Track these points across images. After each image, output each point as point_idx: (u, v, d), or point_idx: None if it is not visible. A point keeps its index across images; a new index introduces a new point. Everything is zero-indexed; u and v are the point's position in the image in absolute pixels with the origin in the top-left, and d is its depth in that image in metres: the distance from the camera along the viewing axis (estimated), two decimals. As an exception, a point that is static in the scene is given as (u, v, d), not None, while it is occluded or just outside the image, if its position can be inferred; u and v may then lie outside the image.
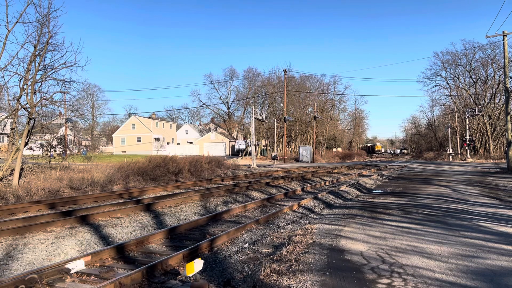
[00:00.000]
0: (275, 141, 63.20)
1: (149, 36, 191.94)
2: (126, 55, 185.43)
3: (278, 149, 70.08)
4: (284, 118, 52.53)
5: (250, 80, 79.57)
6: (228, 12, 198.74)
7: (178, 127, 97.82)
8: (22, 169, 17.54)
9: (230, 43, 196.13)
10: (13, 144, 17.16)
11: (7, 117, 18.03)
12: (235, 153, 72.43)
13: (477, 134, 67.27)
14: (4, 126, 18.98)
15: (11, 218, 10.57)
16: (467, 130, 58.26)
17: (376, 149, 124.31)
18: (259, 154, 67.00)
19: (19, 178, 16.59)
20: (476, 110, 55.69)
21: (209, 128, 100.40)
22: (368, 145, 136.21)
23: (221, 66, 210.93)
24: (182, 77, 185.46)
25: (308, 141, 77.53)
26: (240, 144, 70.05)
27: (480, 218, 9.72)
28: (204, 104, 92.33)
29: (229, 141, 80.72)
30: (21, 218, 10.28)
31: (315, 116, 64.78)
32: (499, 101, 66.60)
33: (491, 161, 50.57)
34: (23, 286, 5.20)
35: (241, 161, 49.47)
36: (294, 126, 74.05)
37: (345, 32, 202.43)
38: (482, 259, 5.96)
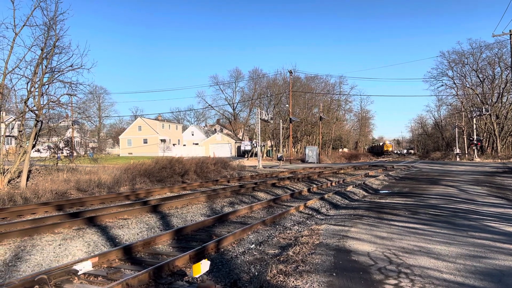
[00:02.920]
0: (281, 142, 63.20)
1: (154, 38, 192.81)
2: (131, 57, 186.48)
3: (284, 150, 70.03)
4: (290, 118, 52.49)
5: (256, 81, 79.71)
6: (233, 14, 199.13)
7: (184, 128, 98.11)
8: (29, 171, 17.68)
9: (235, 44, 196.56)
10: (20, 146, 17.29)
11: (14, 119, 18.20)
12: (241, 154, 72.48)
13: (485, 134, 66.77)
14: (12, 128, 19.18)
15: (19, 220, 10.66)
16: (474, 130, 57.88)
17: (385, 149, 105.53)
18: (265, 155, 66.97)
19: (27, 180, 16.72)
20: (483, 110, 55.32)
21: (215, 129, 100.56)
22: (380, 143, 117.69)
23: (227, 67, 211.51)
24: (188, 79, 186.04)
25: (314, 142, 77.44)
26: (245, 145, 70.07)
27: (488, 218, 9.65)
28: (209, 105, 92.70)
29: (235, 142, 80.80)
30: (29, 220, 10.37)
31: (320, 116, 64.69)
32: (507, 100, 66.22)
33: (499, 160, 50.16)
34: (37, 286, 5.24)
35: (247, 162, 49.49)
36: (300, 127, 73.99)
37: (350, 33, 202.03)
38: (490, 260, 5.92)
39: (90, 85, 44.45)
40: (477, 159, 53.21)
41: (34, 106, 16.95)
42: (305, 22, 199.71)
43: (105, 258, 6.80)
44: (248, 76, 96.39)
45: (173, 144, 79.44)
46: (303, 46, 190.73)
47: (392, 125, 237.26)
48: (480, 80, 69.30)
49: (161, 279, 5.82)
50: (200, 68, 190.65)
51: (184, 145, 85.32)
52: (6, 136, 17.05)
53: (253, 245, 7.96)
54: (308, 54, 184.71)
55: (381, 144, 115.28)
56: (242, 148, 71.61)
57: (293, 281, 5.11)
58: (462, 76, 72.34)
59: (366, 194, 16.68)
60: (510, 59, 28.72)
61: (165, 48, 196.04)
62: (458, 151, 59.35)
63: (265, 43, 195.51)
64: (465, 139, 64.56)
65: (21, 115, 16.99)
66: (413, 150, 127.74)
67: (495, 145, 63.91)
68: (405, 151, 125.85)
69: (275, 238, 8.53)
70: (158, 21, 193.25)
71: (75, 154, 27.31)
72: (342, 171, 31.04)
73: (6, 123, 17.56)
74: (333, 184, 20.35)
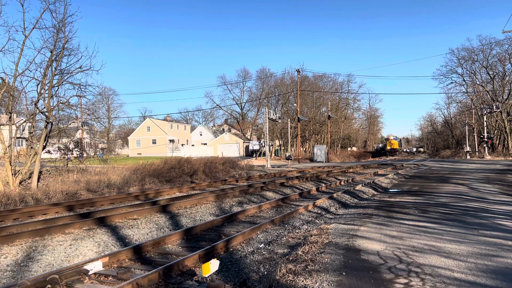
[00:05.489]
0: (289, 141, 63.10)
1: (162, 38, 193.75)
2: (140, 58, 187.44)
3: (292, 149, 69.91)
4: (298, 118, 52.39)
5: (263, 81, 79.76)
6: (240, 13, 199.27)
7: (192, 128, 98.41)
8: (40, 172, 17.85)
9: (243, 44, 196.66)
10: (31, 148, 17.47)
11: (25, 121, 18.39)
12: (249, 153, 72.49)
13: (495, 131, 66.03)
14: (23, 130, 19.38)
15: (31, 221, 10.78)
16: (485, 127, 57.26)
17: (389, 147, 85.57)
18: (273, 154, 66.93)
19: (38, 181, 16.89)
20: (494, 107, 54.76)
21: (223, 129, 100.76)
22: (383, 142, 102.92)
23: (234, 67, 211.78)
24: (196, 79, 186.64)
25: (322, 141, 77.21)
26: (254, 145, 70.10)
27: (499, 216, 9.54)
28: (217, 105, 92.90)
29: (243, 142, 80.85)
30: (40, 221, 10.47)
31: (329, 115, 64.46)
32: (518, 97, 65.33)
33: (510, 158, 49.58)
34: (49, 286, 5.29)
35: (255, 161, 49.50)
36: (308, 126, 73.82)
37: (358, 31, 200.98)
38: (502, 258, 5.85)
39: (99, 87, 44.82)
40: (488, 157, 52.62)
41: (44, 107, 17.12)
42: (312, 21, 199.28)
43: (115, 258, 6.85)
44: (255, 75, 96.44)
45: (182, 144, 79.74)
46: (310, 45, 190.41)
47: (401, 123, 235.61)
48: (490, 77, 68.47)
49: (171, 279, 5.84)
50: (208, 69, 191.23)
51: (192, 145, 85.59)
52: (17, 137, 17.20)
53: (262, 245, 7.96)
54: (316, 52, 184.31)
55: (384, 144, 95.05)
56: (250, 147, 71.65)
57: (303, 281, 5.10)
58: (472, 73, 71.61)
59: (375, 192, 16.59)
60: (521, 55, 28.32)
61: (173, 49, 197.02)
62: (468, 149, 58.74)
63: (273, 43, 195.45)
64: (475, 136, 63.90)
65: (32, 116, 17.17)
66: (422, 148, 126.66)
67: (506, 142, 63.16)
68: (414, 149, 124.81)
69: (284, 238, 8.52)
70: (165, 21, 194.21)
71: (85, 155, 27.51)
72: (351, 170, 30.91)
73: (17, 124, 17.75)
74: (342, 183, 20.27)
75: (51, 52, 16.97)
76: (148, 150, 74.82)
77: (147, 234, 9.33)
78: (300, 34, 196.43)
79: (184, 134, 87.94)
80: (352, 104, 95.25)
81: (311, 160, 56.37)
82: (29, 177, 17.21)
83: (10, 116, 16.95)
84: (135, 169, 21.94)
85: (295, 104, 62.63)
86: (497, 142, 66.02)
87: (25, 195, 14.51)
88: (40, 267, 6.82)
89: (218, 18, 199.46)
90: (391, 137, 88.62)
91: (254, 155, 65.46)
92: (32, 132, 17.57)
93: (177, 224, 10.53)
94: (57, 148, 24.52)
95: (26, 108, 17.99)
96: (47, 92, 16.99)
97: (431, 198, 13.23)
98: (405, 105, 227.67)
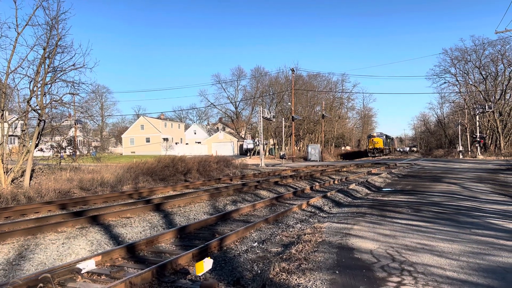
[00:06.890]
0: (283, 140, 63.14)
1: (156, 37, 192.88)
2: (134, 56, 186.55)
3: (286, 148, 69.95)
4: (292, 117, 52.43)
5: (258, 80, 79.70)
6: (235, 12, 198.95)
7: (187, 127, 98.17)
8: (33, 170, 17.72)
9: (237, 43, 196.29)
10: (23, 145, 17.34)
11: (17, 119, 18.24)
12: (243, 152, 72.48)
13: (488, 131, 66.48)
14: (15, 128, 19.22)
15: (23, 219, 10.69)
16: (477, 127, 57.65)
17: (372, 146, 68.37)
18: (267, 153, 66.92)
19: (30, 179, 16.77)
20: (486, 107, 55.17)
21: (217, 128, 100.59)
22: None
23: (229, 65, 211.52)
24: (190, 77, 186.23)
25: (316, 140, 77.34)
26: (248, 144, 70.11)
27: (491, 215, 9.62)
28: (212, 104, 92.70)
29: (237, 141, 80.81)
30: (33, 219, 10.40)
31: (323, 114, 64.56)
32: (510, 97, 65.94)
33: (502, 158, 49.98)
34: (41, 285, 5.26)
35: (250, 160, 49.47)
36: (302, 125, 73.90)
37: (352, 30, 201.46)
38: (494, 257, 5.90)
39: (93, 84, 44.54)
40: (480, 157, 52.99)
41: (37, 105, 16.99)
42: (307, 20, 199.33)
43: (108, 256, 6.82)
44: (250, 74, 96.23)
45: (176, 143, 79.53)
46: (305, 44, 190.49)
47: (395, 122, 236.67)
48: (483, 77, 68.89)
49: (164, 278, 5.83)
50: (202, 67, 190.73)
51: (186, 143, 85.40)
52: (9, 135, 17.04)
53: (256, 243, 7.96)
54: (310, 52, 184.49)
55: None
56: (245, 146, 71.66)
57: (296, 279, 5.11)
58: (465, 73, 71.95)
59: (368, 192, 16.66)
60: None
61: (167, 47, 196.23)
62: (461, 148, 59.11)
63: (267, 42, 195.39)
64: (468, 136, 64.32)
65: (24, 114, 17.03)
66: (415, 147, 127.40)
67: (498, 142, 63.63)
68: (407, 148, 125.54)
69: (278, 236, 8.54)
70: (160, 20, 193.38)
71: (78, 153, 27.39)
72: (344, 169, 31.00)
73: (9, 122, 17.60)
74: (336, 182, 20.32)
75: (44, 49, 16.84)
76: (142, 149, 74.55)
77: (141, 232, 9.30)
78: (295, 33, 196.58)
79: (178, 133, 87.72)
80: (346, 104, 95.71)
81: (305, 159, 56.46)
82: (21, 175, 17.08)
83: (2, 114, 16.80)
84: (129, 168, 21.85)
85: (289, 103, 62.72)
86: (490, 142, 66.49)
87: (17, 193, 14.40)
88: (32, 266, 6.77)
89: (213, 17, 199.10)
90: (375, 134, 72.73)
91: (248, 154, 65.44)
92: (24, 130, 17.44)
93: (170, 222, 10.50)
94: (50, 146, 24.38)
95: (19, 105, 17.87)
96: (39, 89, 16.86)
97: (424, 197, 13.30)
98: (398, 104, 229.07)
